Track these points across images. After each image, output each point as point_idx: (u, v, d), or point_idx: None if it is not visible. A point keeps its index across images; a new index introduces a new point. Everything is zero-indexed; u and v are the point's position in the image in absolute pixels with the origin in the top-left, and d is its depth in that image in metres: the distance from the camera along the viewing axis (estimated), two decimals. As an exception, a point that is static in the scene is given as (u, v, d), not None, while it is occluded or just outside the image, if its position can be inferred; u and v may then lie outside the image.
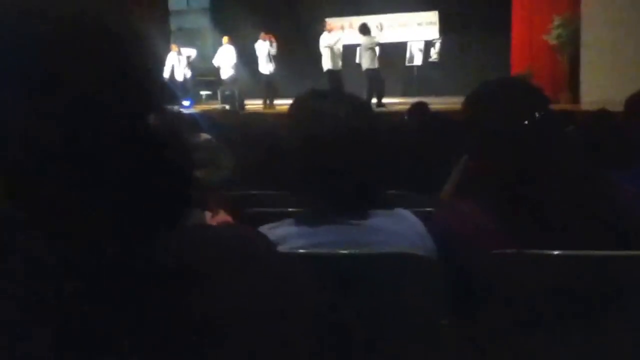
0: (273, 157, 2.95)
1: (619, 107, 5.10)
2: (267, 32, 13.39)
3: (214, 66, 13.85)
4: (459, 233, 1.51)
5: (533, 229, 1.42)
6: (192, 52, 14.19)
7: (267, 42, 13.12)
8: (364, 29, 12.19)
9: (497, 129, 1.51)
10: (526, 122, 1.47)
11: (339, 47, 12.29)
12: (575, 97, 10.87)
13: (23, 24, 0.67)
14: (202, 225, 1.25)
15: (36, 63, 0.66)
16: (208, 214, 1.64)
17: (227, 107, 12.45)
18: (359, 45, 12.75)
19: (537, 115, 1.48)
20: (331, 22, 12.91)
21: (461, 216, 1.56)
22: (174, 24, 17.28)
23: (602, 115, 5.06)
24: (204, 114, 9.38)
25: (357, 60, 12.85)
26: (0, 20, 0.67)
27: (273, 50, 13.16)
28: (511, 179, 1.48)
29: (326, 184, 1.43)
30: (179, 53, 13.78)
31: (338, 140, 1.41)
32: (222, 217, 1.94)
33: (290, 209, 1.99)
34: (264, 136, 2.98)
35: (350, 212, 1.43)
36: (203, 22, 17.54)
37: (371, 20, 14.26)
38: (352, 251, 1.38)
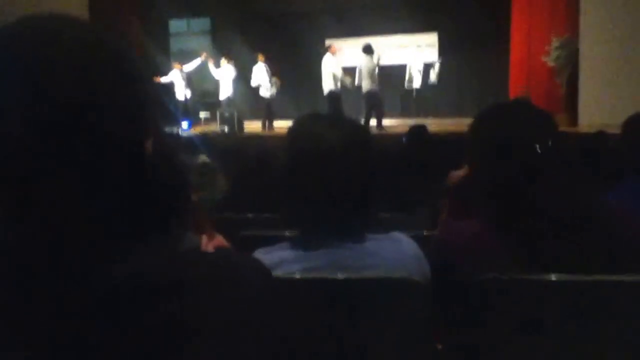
0: (269, 180, 2.95)
1: (616, 130, 5.11)
2: (263, 54, 13.41)
3: (213, 87, 13.92)
4: (453, 257, 1.50)
5: (533, 251, 1.41)
6: (194, 64, 14.19)
7: (265, 65, 13.14)
8: (369, 49, 12.19)
9: (506, 151, 1.50)
10: (538, 147, 1.46)
11: (340, 70, 12.32)
12: (573, 119, 10.89)
13: (31, 52, 0.68)
14: (197, 252, 1.25)
15: (40, 89, 0.66)
16: (204, 238, 1.63)
17: (226, 129, 12.47)
18: (355, 67, 12.80)
19: (548, 140, 1.47)
20: (335, 44, 12.94)
21: (456, 241, 1.56)
22: (174, 45, 17.41)
23: (600, 137, 5.07)
24: (203, 137, 9.43)
25: (356, 82, 12.88)
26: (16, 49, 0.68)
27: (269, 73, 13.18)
28: (515, 200, 1.47)
29: (322, 207, 1.42)
30: (182, 71, 13.82)
31: (335, 164, 1.41)
32: (219, 240, 1.93)
33: (286, 233, 1.98)
34: (262, 159, 2.98)
35: (345, 236, 1.42)
36: (203, 44, 17.66)
37: (370, 41, 14.39)
38: (347, 276, 1.36)
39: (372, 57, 12.18)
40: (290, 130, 1.53)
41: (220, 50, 16.36)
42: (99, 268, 0.69)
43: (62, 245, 0.69)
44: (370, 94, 12.09)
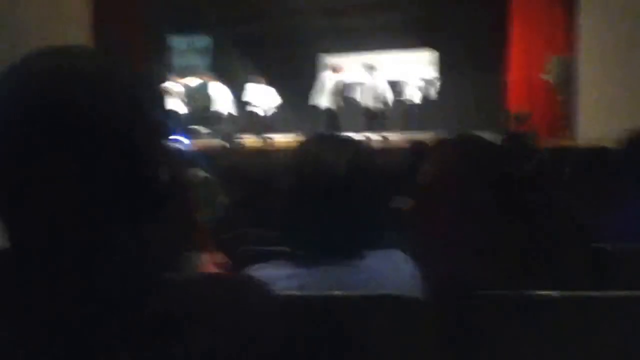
0: (268, 196, 2.95)
1: (616, 145, 5.11)
2: (260, 76, 13.49)
3: (212, 103, 13.99)
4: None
5: (518, 270, 1.42)
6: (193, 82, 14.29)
7: (262, 85, 13.21)
8: (372, 68, 12.28)
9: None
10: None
11: (341, 87, 12.40)
12: (572, 135, 10.94)
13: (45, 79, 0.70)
14: (197, 275, 1.26)
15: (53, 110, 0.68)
16: (204, 256, 1.63)
17: (227, 145, 12.50)
18: (351, 83, 12.90)
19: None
20: (337, 62, 13.02)
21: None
22: (174, 62, 17.54)
23: (600, 152, 5.07)
24: (201, 151, 9.44)
25: (358, 98, 12.96)
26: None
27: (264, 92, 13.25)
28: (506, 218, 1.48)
29: (323, 225, 1.44)
30: (185, 86, 13.91)
31: (338, 184, 1.43)
32: (221, 258, 1.93)
33: (285, 249, 1.98)
34: (261, 174, 2.98)
35: (344, 253, 1.43)
36: (203, 61, 17.79)
37: (369, 58, 14.47)
38: (344, 293, 1.36)
39: (373, 75, 12.27)
40: (296, 149, 1.55)
41: (220, 68, 16.50)
42: (110, 292, 0.70)
43: (73, 264, 0.70)
44: (371, 111, 12.18)
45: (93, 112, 0.69)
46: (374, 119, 12.26)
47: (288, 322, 0.85)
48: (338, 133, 1.89)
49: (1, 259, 0.71)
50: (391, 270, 1.44)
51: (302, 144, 1.56)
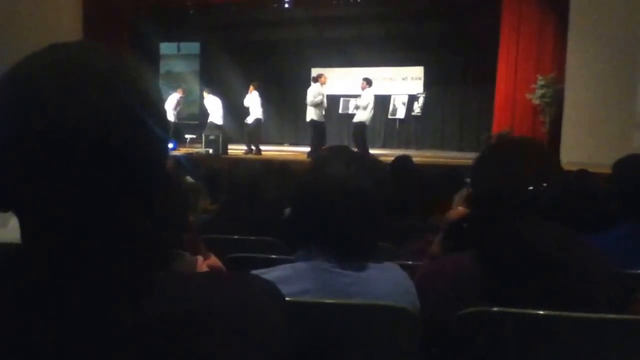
0: (256, 203, 2.95)
1: (598, 169, 5.16)
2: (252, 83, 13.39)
3: (200, 111, 13.93)
4: (442, 290, 1.52)
5: (517, 291, 1.42)
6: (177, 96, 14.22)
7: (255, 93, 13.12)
8: (370, 82, 12.19)
9: (504, 194, 1.52)
10: (532, 188, 1.48)
11: (325, 99, 12.34)
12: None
13: (57, 79, 0.69)
14: (203, 274, 1.25)
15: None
16: (199, 258, 1.63)
17: (211, 151, 12.49)
18: (341, 96, 12.89)
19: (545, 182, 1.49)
20: (325, 73, 12.96)
21: (445, 275, 1.58)
22: (163, 67, 17.50)
23: (582, 176, 5.13)
24: (188, 157, 9.43)
25: (351, 111, 12.98)
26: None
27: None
28: (504, 239, 1.49)
29: (329, 235, 1.45)
30: (183, 94, 13.88)
31: (354, 198, 1.44)
32: (213, 261, 1.93)
33: (273, 256, 1.99)
34: (247, 181, 2.98)
35: (346, 263, 1.44)
36: (192, 67, 17.78)
37: (357, 72, 14.53)
38: (341, 301, 1.37)
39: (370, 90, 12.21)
40: (314, 159, 1.59)
41: (208, 73, 16.49)
42: (116, 299, 0.69)
43: (79, 270, 0.70)
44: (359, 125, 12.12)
45: (92, 111, 0.68)
46: (358, 133, 12.23)
47: (291, 325, 0.85)
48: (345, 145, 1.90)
49: (15, 253, 0.72)
50: (387, 282, 1.46)
51: (317, 156, 1.57)
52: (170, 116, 13.18)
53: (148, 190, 0.73)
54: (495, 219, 1.54)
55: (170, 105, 13.22)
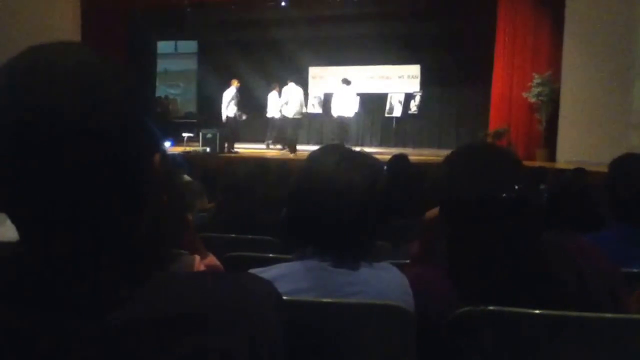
0: (252, 201, 2.96)
1: (594, 167, 5.19)
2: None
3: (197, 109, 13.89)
4: (423, 292, 1.52)
5: (498, 295, 1.42)
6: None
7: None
8: (347, 81, 12.58)
9: (473, 197, 1.51)
10: (504, 195, 1.47)
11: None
12: (551, 155, 11.04)
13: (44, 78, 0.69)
14: (202, 273, 1.25)
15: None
16: (197, 258, 1.63)
17: (208, 149, 12.47)
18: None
19: (516, 187, 1.48)
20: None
21: (424, 278, 1.58)
22: (160, 66, 17.49)
23: (578, 173, 5.15)
24: (185, 155, 9.41)
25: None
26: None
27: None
28: (482, 245, 1.49)
29: (323, 234, 1.45)
30: (238, 84, 13.67)
31: (350, 198, 1.44)
32: (211, 260, 1.94)
33: (270, 255, 2.00)
34: (244, 179, 2.99)
35: (341, 262, 1.44)
36: (189, 65, 17.78)
37: (354, 71, 14.56)
38: (337, 300, 1.38)
39: (349, 88, 12.54)
40: (307, 158, 1.55)
41: (206, 72, 16.47)
42: (114, 297, 0.69)
43: (77, 269, 0.70)
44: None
45: (90, 111, 0.68)
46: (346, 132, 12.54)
47: (288, 324, 0.85)
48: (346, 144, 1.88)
49: (13, 251, 0.72)
50: (383, 282, 1.46)
51: (310, 156, 1.56)
52: (230, 112, 13.04)
53: (135, 188, 0.73)
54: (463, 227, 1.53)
55: (227, 99, 13.01)
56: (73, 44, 0.75)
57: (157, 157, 0.76)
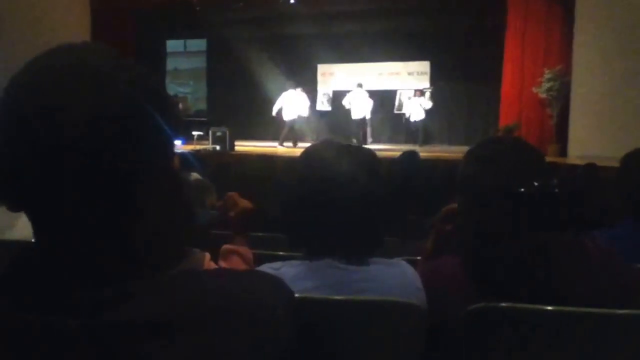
0: (262, 200, 2.96)
1: (606, 162, 5.15)
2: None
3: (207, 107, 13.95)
4: (435, 289, 1.52)
5: (510, 290, 1.42)
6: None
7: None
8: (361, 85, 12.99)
9: (492, 194, 1.51)
10: (522, 189, 1.47)
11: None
12: (562, 150, 10.99)
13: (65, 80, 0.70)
14: (212, 271, 1.25)
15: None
16: (207, 255, 1.63)
17: (218, 147, 12.50)
18: (348, 91, 13.27)
19: (536, 183, 1.48)
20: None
21: (437, 274, 1.58)
22: (170, 64, 17.56)
23: (590, 169, 5.12)
24: (195, 153, 9.44)
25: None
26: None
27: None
28: (495, 239, 1.49)
29: (331, 230, 1.44)
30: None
31: (347, 190, 1.43)
32: (245, 250, 1.94)
33: (280, 252, 1.99)
34: (254, 177, 2.99)
35: (351, 259, 1.44)
36: (198, 64, 17.82)
37: (363, 67, 14.53)
38: (348, 297, 1.37)
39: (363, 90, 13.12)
40: (304, 155, 1.55)
41: (215, 70, 16.49)
42: (125, 292, 0.69)
43: (82, 259, 0.71)
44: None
45: (102, 110, 0.69)
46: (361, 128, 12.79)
47: (299, 322, 0.85)
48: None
49: (29, 251, 0.72)
50: (395, 278, 1.45)
51: (309, 149, 1.56)
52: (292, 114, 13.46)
53: (148, 188, 0.74)
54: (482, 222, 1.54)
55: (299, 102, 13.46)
56: (93, 46, 0.76)
57: (176, 160, 0.77)
